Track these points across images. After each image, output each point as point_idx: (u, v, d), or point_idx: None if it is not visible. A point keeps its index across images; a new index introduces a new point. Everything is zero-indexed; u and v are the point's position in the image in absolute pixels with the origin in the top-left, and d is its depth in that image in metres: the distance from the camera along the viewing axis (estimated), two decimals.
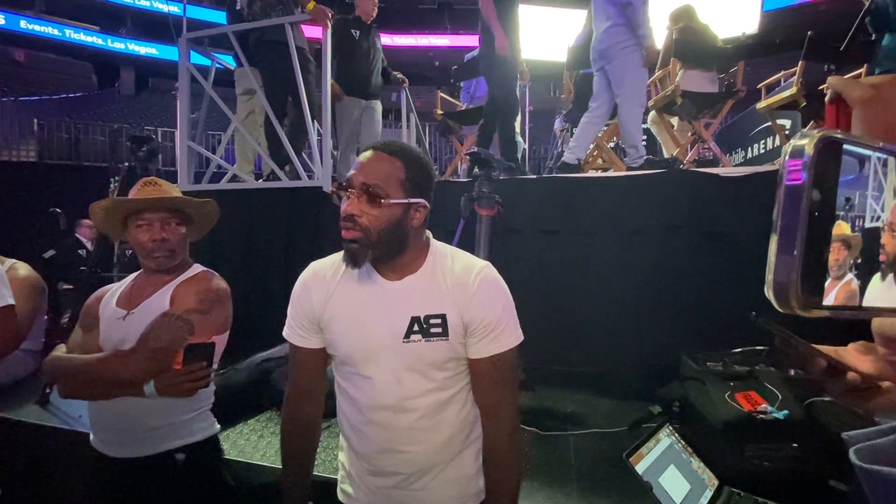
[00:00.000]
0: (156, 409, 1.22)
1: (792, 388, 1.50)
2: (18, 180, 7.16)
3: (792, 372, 1.64)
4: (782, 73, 4.43)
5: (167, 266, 1.32)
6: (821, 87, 3.93)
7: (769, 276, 0.25)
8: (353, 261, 0.89)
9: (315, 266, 1.01)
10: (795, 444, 1.32)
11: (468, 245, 2.16)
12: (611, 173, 3.36)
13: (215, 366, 1.33)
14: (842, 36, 3.55)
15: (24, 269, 2.08)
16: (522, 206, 2.62)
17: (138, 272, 1.39)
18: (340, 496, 1.04)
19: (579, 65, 3.73)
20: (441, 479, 0.96)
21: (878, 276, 0.28)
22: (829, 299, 0.25)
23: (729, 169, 2.92)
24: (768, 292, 0.26)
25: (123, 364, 1.18)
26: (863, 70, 3.38)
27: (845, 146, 0.26)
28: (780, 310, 0.26)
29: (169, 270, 1.33)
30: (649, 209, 2.50)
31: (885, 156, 0.28)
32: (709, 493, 1.32)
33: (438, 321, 0.91)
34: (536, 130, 8.76)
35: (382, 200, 0.87)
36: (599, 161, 4.56)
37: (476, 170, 2.35)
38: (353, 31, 3.55)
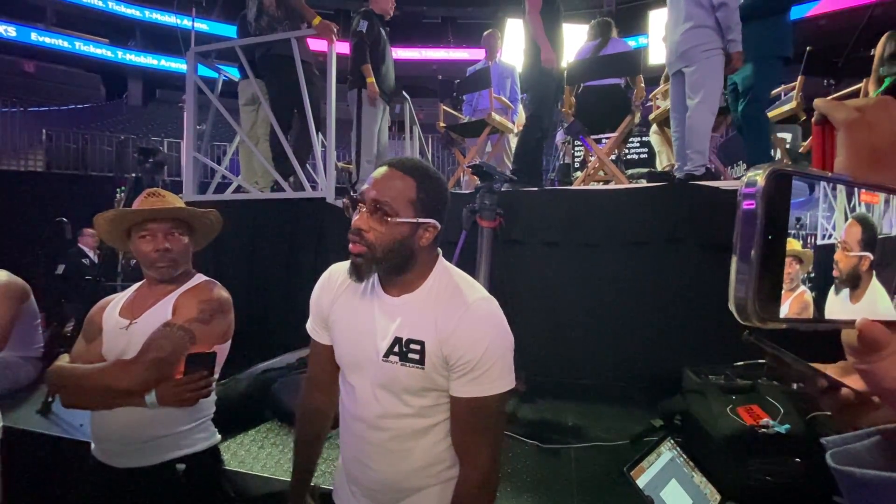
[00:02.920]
0: (157, 419, 1.22)
1: (794, 401, 1.49)
2: (26, 189, 7.23)
3: (794, 386, 1.63)
4: (782, 87, 4.46)
5: (170, 276, 1.33)
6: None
7: (731, 293, 0.28)
8: (356, 274, 0.89)
9: (333, 268, 1.04)
10: (798, 459, 1.31)
11: (470, 257, 2.17)
12: (612, 185, 3.37)
13: (216, 375, 1.33)
14: (841, 51, 3.58)
15: (2, 274, 2.05)
16: (524, 218, 2.64)
17: (141, 282, 1.40)
18: (334, 497, 1.07)
19: (581, 78, 3.77)
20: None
21: (832, 290, 0.30)
22: (784, 309, 0.28)
23: (730, 182, 2.93)
24: (731, 307, 0.28)
25: (125, 374, 1.18)
26: (861, 85, 3.41)
27: (794, 178, 0.29)
28: (741, 322, 0.28)
29: (171, 280, 1.35)
30: (651, 221, 2.51)
31: (832, 184, 0.30)
32: None
33: (417, 347, 0.88)
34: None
35: (389, 219, 0.86)
36: (601, 174, 4.59)
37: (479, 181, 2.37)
38: (382, 29, 3.56)
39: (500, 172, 2.41)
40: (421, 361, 0.88)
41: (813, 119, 0.39)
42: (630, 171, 4.90)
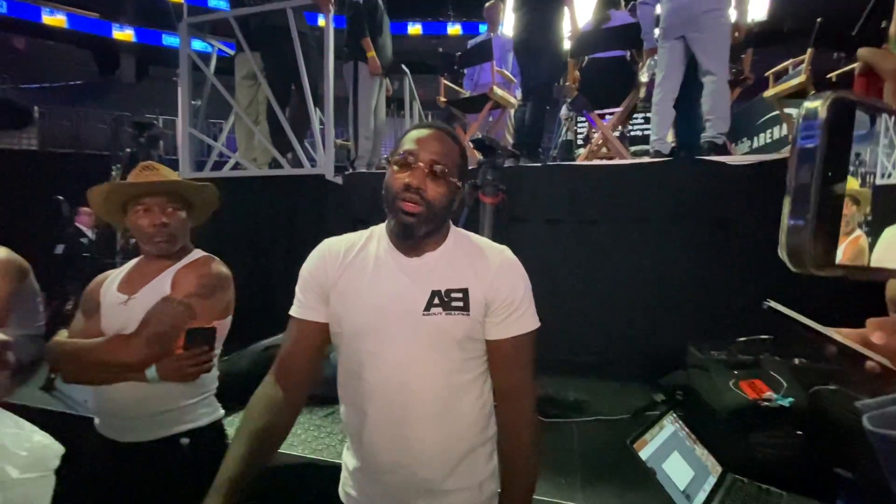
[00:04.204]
0: (159, 393, 1.22)
1: (797, 376, 1.49)
2: (19, 169, 7.15)
3: (797, 361, 1.63)
4: (790, 61, 4.36)
5: (168, 251, 1.31)
6: (829, 76, 3.87)
7: (782, 238, 0.26)
8: (408, 234, 0.89)
9: (329, 241, 1.00)
10: (800, 432, 1.32)
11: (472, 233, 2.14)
12: (616, 161, 3.32)
13: (218, 350, 1.33)
14: (852, 23, 3.48)
15: (1, 251, 2.02)
16: (526, 195, 2.60)
17: (139, 258, 1.38)
18: (343, 497, 0.98)
19: (585, 51, 3.68)
20: (453, 481, 0.90)
21: (891, 229, 0.28)
22: (838, 255, 0.26)
23: (735, 158, 2.88)
24: (782, 253, 0.26)
25: (124, 348, 1.17)
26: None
27: (858, 108, 0.26)
28: (794, 270, 0.26)
29: (170, 255, 1.32)
30: (654, 198, 2.48)
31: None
32: (712, 480, 1.32)
33: (460, 295, 0.89)
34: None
35: (451, 179, 0.89)
36: (604, 151, 4.53)
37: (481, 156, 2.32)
38: (380, 1, 3.47)
39: (503, 147, 2.36)
40: (466, 308, 0.89)
41: (856, 69, 0.36)
42: (634, 148, 4.84)
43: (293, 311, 0.98)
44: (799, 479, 1.29)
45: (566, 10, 3.22)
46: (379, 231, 0.99)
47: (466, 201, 2.31)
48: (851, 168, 0.26)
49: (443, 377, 0.89)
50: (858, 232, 0.27)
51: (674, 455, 1.31)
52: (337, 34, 3.13)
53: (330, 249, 0.98)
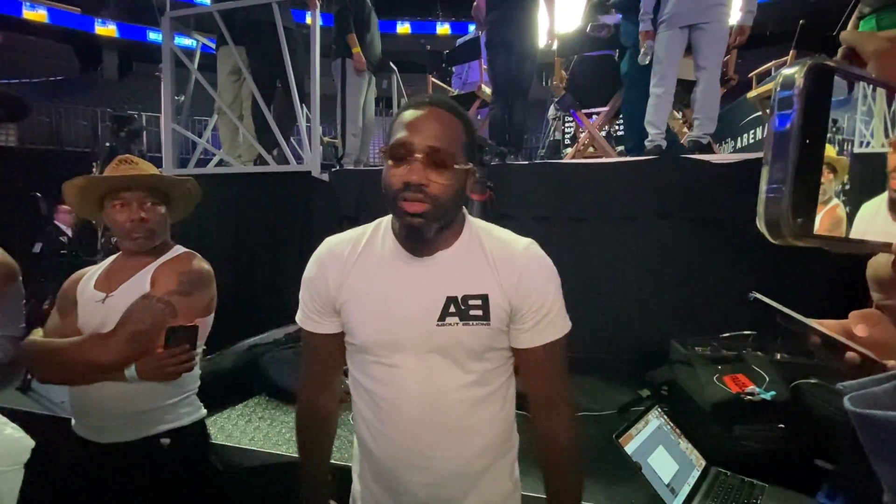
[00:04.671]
0: (139, 393, 1.19)
1: (779, 370, 1.51)
2: None
3: (779, 355, 1.66)
4: (773, 62, 4.44)
5: (146, 247, 1.28)
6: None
7: (760, 208, 0.25)
8: (416, 237, 0.79)
9: (331, 241, 0.90)
10: (782, 425, 1.34)
11: None
12: (603, 159, 3.34)
13: (199, 349, 1.30)
14: (833, 25, 3.55)
15: None
16: (514, 192, 2.61)
17: (116, 254, 1.35)
18: None
19: (572, 50, 3.70)
20: (476, 498, 0.83)
21: (869, 205, 0.27)
22: (816, 226, 0.26)
23: (720, 156, 2.92)
24: (760, 224, 0.26)
25: (102, 347, 1.14)
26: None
27: (836, 75, 0.25)
28: (772, 241, 0.25)
29: (149, 252, 1.29)
30: (640, 195, 2.50)
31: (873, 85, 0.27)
32: (696, 473, 1.33)
33: (478, 302, 0.80)
34: (529, 118, 8.71)
35: (457, 166, 0.76)
36: (591, 150, 4.56)
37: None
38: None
39: (490, 144, 2.36)
40: (486, 317, 0.80)
41: (839, 53, 0.36)
42: (620, 148, 4.87)
43: (300, 321, 0.91)
44: (781, 472, 1.31)
45: (540, 8, 3.19)
46: (385, 224, 0.87)
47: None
48: (828, 135, 0.25)
49: (462, 391, 0.82)
50: (835, 201, 0.27)
51: (659, 449, 1.32)
52: (325, 32, 3.10)
53: (331, 253, 0.88)
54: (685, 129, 4.25)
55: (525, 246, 0.85)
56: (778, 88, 0.25)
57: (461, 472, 0.83)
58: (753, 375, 1.49)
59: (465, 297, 0.80)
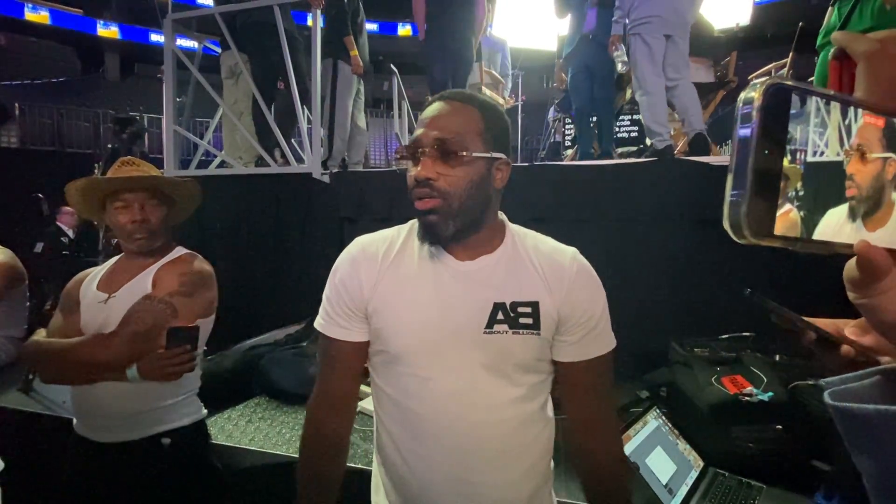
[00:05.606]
0: (140, 393, 1.20)
1: (777, 371, 1.52)
2: None
3: (777, 357, 1.66)
4: (773, 64, 4.45)
5: (147, 248, 1.29)
6: (810, 79, 3.95)
7: (725, 210, 0.28)
8: (433, 236, 0.74)
9: (363, 241, 0.84)
10: (779, 426, 1.34)
11: None
12: (602, 161, 3.35)
13: (200, 350, 1.31)
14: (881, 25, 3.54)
15: (1, 253, 2.04)
16: (513, 194, 2.60)
17: (119, 255, 1.36)
18: None
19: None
20: None
21: (834, 212, 0.29)
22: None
23: (719, 158, 2.93)
24: (725, 224, 0.28)
25: (104, 347, 1.15)
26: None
27: (794, 93, 0.28)
28: (736, 240, 0.28)
29: (151, 253, 1.31)
30: (640, 198, 2.51)
31: (834, 102, 0.29)
32: (694, 474, 1.33)
33: (528, 310, 0.75)
34: (528, 121, 8.74)
35: (464, 154, 0.72)
36: (590, 151, 4.57)
37: None
38: (359, 2, 3.48)
39: None
40: (536, 325, 0.74)
41: (830, 54, 0.37)
42: (620, 150, 4.88)
43: (322, 327, 0.82)
44: (779, 473, 1.32)
45: (473, 13, 3.27)
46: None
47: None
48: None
49: (508, 407, 0.75)
50: (788, 206, 0.28)
51: (657, 450, 1.33)
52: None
53: (364, 252, 0.81)
54: (685, 131, 4.26)
55: (573, 255, 0.82)
56: (740, 105, 0.28)
57: (507, 499, 0.76)
58: (751, 377, 1.49)
59: (514, 304, 0.75)
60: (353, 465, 1.34)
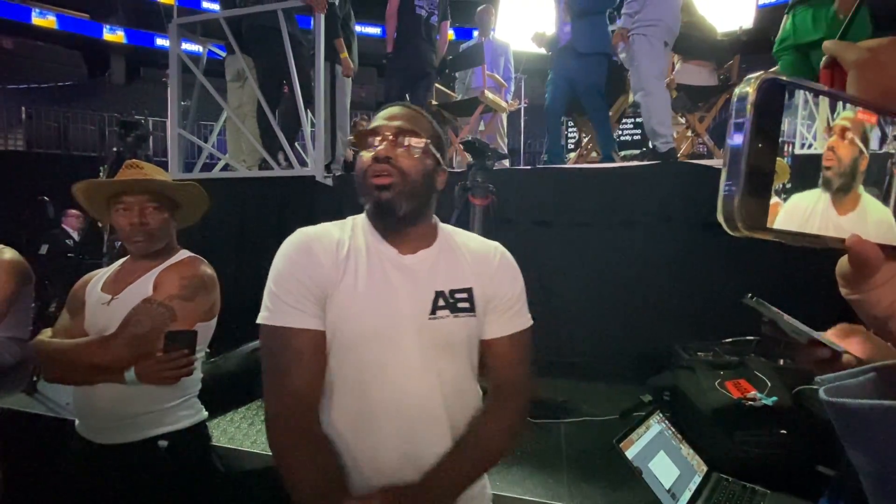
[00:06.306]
0: (139, 395, 1.20)
1: (781, 376, 1.51)
2: (5, 169, 7.05)
3: (781, 361, 1.65)
4: (775, 67, 4.44)
5: (147, 251, 1.29)
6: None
7: (719, 204, 0.28)
8: (384, 211, 0.81)
9: (308, 231, 0.86)
10: (784, 431, 1.33)
11: None
12: (605, 164, 3.35)
13: (199, 354, 1.31)
14: (833, 34, 3.54)
15: (9, 252, 2.05)
16: (516, 197, 2.62)
17: (125, 258, 1.37)
18: None
19: None
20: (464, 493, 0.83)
21: (800, 197, 0.29)
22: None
23: (722, 160, 2.92)
24: (719, 217, 0.28)
25: (103, 349, 1.16)
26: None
27: (787, 88, 0.28)
28: (729, 232, 0.28)
29: (154, 256, 1.31)
30: (643, 200, 2.51)
31: (826, 97, 0.30)
32: (697, 479, 1.32)
33: (465, 295, 0.85)
34: (532, 124, 8.75)
35: (425, 141, 0.83)
36: (594, 154, 4.57)
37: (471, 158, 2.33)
38: (350, 7, 3.54)
39: (492, 150, 2.37)
40: (472, 309, 0.85)
41: (822, 62, 0.37)
42: (623, 153, 4.88)
43: (272, 319, 0.79)
44: (783, 478, 1.30)
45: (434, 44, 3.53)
46: (362, 222, 0.89)
47: (456, 203, 2.32)
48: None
49: (453, 383, 0.83)
50: (776, 199, 0.28)
51: (660, 454, 1.32)
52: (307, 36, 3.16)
53: (319, 241, 0.84)
54: (689, 134, 4.26)
55: (496, 246, 0.94)
56: (734, 99, 0.28)
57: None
58: (755, 381, 1.49)
59: (453, 291, 0.85)
60: None
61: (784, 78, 0.28)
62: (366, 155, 0.83)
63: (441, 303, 0.83)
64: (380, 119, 0.86)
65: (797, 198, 0.29)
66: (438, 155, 0.87)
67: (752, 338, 1.82)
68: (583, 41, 3.02)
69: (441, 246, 0.89)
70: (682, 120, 4.28)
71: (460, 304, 0.84)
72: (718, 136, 5.08)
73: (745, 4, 5.22)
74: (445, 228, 0.94)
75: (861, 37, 0.35)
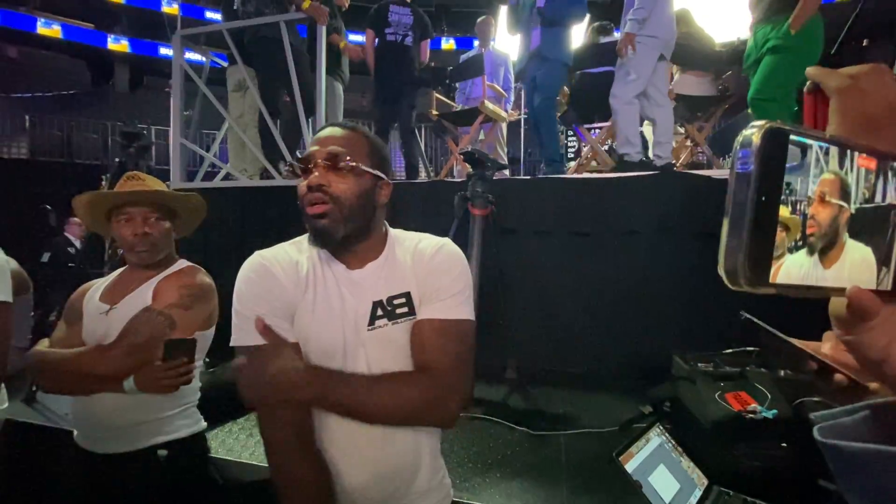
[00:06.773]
0: (137, 404, 1.20)
1: (782, 388, 1.50)
2: (9, 177, 7.09)
3: (782, 373, 1.64)
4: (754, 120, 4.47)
5: (149, 261, 1.30)
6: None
7: (721, 257, 0.27)
8: (323, 239, 0.82)
9: (264, 253, 0.89)
10: (784, 444, 1.32)
11: (461, 245, 2.15)
12: (604, 174, 3.36)
13: (199, 362, 1.31)
14: (831, 43, 3.58)
15: (10, 263, 2.06)
16: (516, 207, 2.62)
17: (123, 267, 1.37)
18: None
19: (575, 67, 3.74)
20: (425, 480, 0.88)
21: (800, 253, 0.29)
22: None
23: (721, 171, 2.93)
24: (720, 271, 0.27)
25: (102, 359, 1.16)
26: None
27: (791, 136, 0.27)
28: (731, 287, 0.27)
29: (153, 265, 1.32)
30: (642, 210, 2.51)
31: (827, 146, 0.29)
32: (698, 493, 1.31)
33: (403, 300, 0.85)
34: (531, 134, 8.78)
35: (354, 165, 0.82)
36: (593, 164, 4.58)
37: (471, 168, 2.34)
38: (341, 20, 3.60)
39: (492, 160, 2.38)
40: (412, 312, 0.85)
41: (805, 88, 0.38)
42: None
43: (255, 339, 0.79)
44: (784, 491, 1.29)
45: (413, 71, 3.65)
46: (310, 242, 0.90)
47: (456, 213, 2.32)
48: (782, 197, 0.27)
49: None
50: (788, 256, 0.28)
51: (660, 468, 1.31)
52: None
53: (279, 263, 0.86)
54: (687, 144, 4.27)
55: (438, 243, 0.92)
56: (738, 147, 0.27)
57: (412, 463, 0.87)
58: (755, 393, 1.48)
59: (391, 299, 0.85)
60: None
61: (787, 127, 0.27)
62: (302, 183, 0.83)
63: (379, 312, 0.84)
64: (313, 144, 0.86)
65: (790, 258, 0.29)
66: (378, 171, 0.87)
67: (752, 349, 1.81)
68: (547, 47, 3.14)
69: (388, 255, 0.90)
70: (682, 130, 4.30)
71: (399, 310, 0.85)
72: (716, 145, 5.10)
73: (743, 15, 5.28)
74: (394, 236, 0.94)
75: (812, 51, 0.36)
